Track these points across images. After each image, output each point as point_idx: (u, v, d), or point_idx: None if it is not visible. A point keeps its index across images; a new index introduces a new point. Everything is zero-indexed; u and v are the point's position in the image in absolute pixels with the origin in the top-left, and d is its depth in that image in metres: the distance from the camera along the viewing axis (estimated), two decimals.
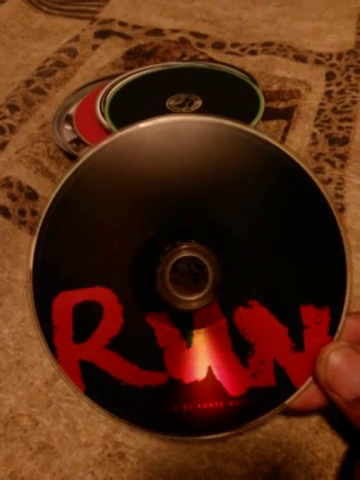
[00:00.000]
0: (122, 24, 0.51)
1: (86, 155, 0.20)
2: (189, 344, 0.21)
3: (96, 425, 0.24)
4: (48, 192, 0.34)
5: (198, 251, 0.21)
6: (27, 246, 0.31)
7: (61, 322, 0.21)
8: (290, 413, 0.23)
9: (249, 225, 0.21)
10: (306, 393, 0.20)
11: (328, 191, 0.20)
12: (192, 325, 0.21)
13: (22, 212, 0.32)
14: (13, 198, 0.33)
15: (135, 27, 0.51)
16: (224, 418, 0.21)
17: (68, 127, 0.38)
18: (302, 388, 0.20)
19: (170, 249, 0.21)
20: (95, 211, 0.21)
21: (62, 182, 0.20)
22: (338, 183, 0.35)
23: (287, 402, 0.20)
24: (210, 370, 0.21)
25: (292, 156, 0.20)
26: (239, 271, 0.21)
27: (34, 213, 0.33)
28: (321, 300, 0.20)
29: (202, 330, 0.21)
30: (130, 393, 0.21)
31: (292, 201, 0.20)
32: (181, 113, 0.20)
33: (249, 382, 0.20)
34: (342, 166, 0.36)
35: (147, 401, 0.21)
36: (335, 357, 0.19)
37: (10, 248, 0.31)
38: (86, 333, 0.21)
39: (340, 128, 0.39)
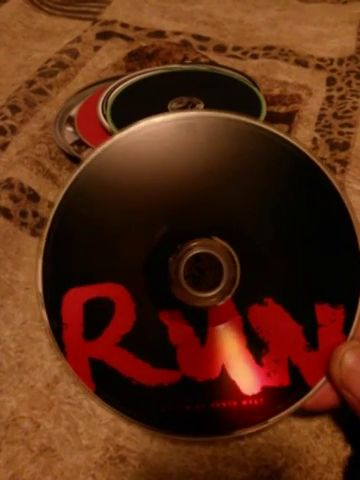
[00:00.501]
0: (124, 26, 0.51)
1: (95, 152, 0.20)
2: (203, 342, 0.21)
3: (97, 428, 0.24)
4: (54, 193, 0.34)
5: (213, 247, 0.21)
6: (28, 247, 0.31)
7: (71, 319, 0.20)
8: (302, 413, 0.23)
9: (264, 221, 0.20)
10: (319, 393, 0.20)
11: (342, 188, 0.20)
12: (206, 322, 0.21)
13: (23, 213, 0.32)
14: (15, 199, 0.33)
15: (137, 29, 0.51)
16: (237, 418, 0.20)
17: (70, 129, 0.38)
18: (316, 387, 0.20)
19: (184, 245, 0.21)
20: (106, 207, 0.20)
21: (74, 176, 0.20)
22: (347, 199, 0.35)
23: (301, 403, 0.20)
24: (224, 368, 0.20)
25: (307, 153, 0.20)
26: (254, 268, 0.21)
27: (35, 215, 0.33)
28: (336, 299, 0.20)
29: (217, 327, 0.21)
30: (141, 392, 0.20)
31: (307, 197, 0.20)
32: (193, 109, 0.20)
33: (263, 381, 0.20)
34: (342, 171, 0.36)
35: (159, 400, 0.20)
36: (350, 357, 0.19)
37: (11, 250, 0.31)
38: (97, 330, 0.20)
39: (341, 133, 0.39)
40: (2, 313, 0.28)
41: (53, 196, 0.34)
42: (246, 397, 0.20)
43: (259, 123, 0.20)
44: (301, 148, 0.20)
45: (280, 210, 0.20)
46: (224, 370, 0.20)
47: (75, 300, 0.20)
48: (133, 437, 0.24)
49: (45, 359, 0.26)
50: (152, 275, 0.21)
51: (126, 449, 0.23)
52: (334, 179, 0.20)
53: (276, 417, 0.20)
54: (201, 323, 0.21)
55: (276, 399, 0.20)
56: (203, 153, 0.20)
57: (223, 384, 0.20)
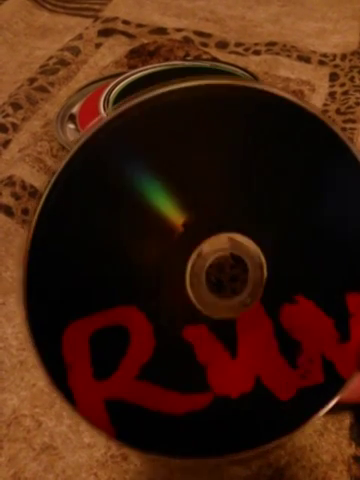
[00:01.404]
0: (125, 23, 0.51)
1: (74, 148, 0.15)
2: (234, 355, 0.18)
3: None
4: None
5: (235, 248, 0.18)
6: None
7: (76, 358, 0.17)
8: (339, 407, 0.22)
9: (285, 213, 0.18)
10: (354, 383, 0.19)
11: None
12: (236, 333, 0.19)
13: (25, 211, 0.32)
14: (16, 197, 0.32)
15: (139, 26, 0.51)
16: (276, 425, 0.19)
17: (71, 126, 0.38)
18: (350, 379, 0.19)
19: (202, 248, 0.18)
20: (99, 213, 0.16)
21: (54, 177, 0.16)
22: None
23: (338, 397, 0.19)
24: (258, 378, 0.19)
25: (339, 133, 0.17)
26: (281, 264, 0.18)
27: None
28: None
29: (247, 336, 0.19)
30: (171, 424, 0.18)
31: (332, 182, 0.18)
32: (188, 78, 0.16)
33: (298, 383, 0.19)
34: None
35: (192, 427, 0.18)
36: None
37: (13, 247, 0.31)
38: (110, 366, 0.17)
39: (344, 129, 0.39)
40: (4, 311, 0.28)
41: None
42: (283, 402, 0.19)
43: (274, 89, 0.17)
44: (332, 126, 0.17)
45: (302, 199, 0.18)
46: (258, 380, 0.19)
47: (78, 335, 0.17)
48: None
49: None
50: (168, 288, 0.18)
51: None
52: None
53: (315, 416, 0.19)
54: (230, 335, 0.18)
55: (313, 398, 0.19)
56: (207, 137, 0.17)
57: (259, 395, 0.19)
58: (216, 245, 0.18)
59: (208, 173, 0.17)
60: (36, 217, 0.16)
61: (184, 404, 0.18)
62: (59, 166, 0.16)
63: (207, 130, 0.17)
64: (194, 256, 0.18)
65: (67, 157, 0.16)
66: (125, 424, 0.18)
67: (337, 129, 0.17)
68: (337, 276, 0.19)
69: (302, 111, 0.17)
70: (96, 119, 0.17)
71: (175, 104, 0.16)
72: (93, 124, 0.16)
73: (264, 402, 0.19)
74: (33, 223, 0.16)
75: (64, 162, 0.16)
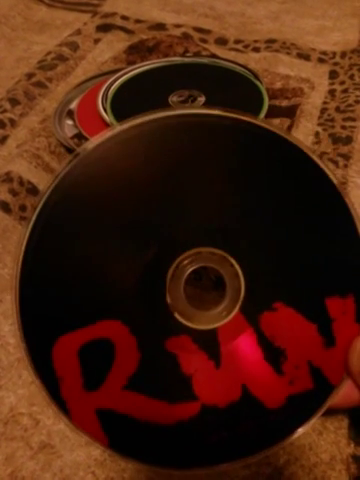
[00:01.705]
0: (124, 18, 0.51)
1: (64, 170, 0.17)
2: (218, 364, 0.19)
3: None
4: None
5: (211, 260, 0.19)
6: None
7: (67, 371, 0.18)
8: (329, 412, 0.22)
9: (259, 222, 0.19)
10: (344, 389, 0.19)
11: (334, 174, 0.19)
12: (218, 342, 0.19)
13: (23, 207, 0.32)
14: (14, 193, 0.32)
15: (137, 21, 0.50)
16: (267, 434, 0.19)
17: (69, 122, 0.38)
18: (340, 385, 0.19)
19: (179, 262, 0.19)
20: (84, 233, 0.18)
21: (42, 201, 0.17)
22: (341, 183, 0.34)
23: (328, 403, 0.19)
24: (245, 387, 0.19)
25: (294, 142, 0.18)
26: (257, 273, 0.19)
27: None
28: (344, 289, 0.19)
29: (230, 346, 0.19)
30: (162, 434, 0.18)
31: (299, 189, 0.19)
32: (166, 109, 0.18)
33: (287, 390, 0.19)
34: (345, 166, 0.35)
35: (182, 438, 0.18)
36: None
37: (11, 244, 0.30)
38: (99, 377, 0.18)
39: (343, 127, 0.38)
40: (1, 308, 0.28)
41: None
42: (273, 411, 0.19)
43: (247, 118, 0.18)
44: (290, 139, 0.18)
45: (275, 208, 0.19)
46: (245, 389, 0.19)
47: (67, 349, 0.18)
48: None
49: None
50: (148, 302, 0.19)
51: None
52: (326, 167, 0.19)
53: (306, 424, 0.19)
54: (213, 344, 0.19)
55: (303, 405, 0.19)
56: (185, 158, 0.18)
57: (247, 404, 0.19)
58: (192, 259, 0.19)
59: (185, 193, 0.18)
60: (24, 246, 0.17)
61: (173, 414, 0.18)
62: (41, 199, 0.17)
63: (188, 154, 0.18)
64: (171, 271, 0.19)
65: (47, 192, 0.17)
66: (117, 434, 0.18)
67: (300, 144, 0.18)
68: (314, 282, 0.19)
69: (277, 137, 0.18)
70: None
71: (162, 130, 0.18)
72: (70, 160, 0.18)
73: (253, 411, 0.19)
74: (22, 250, 0.18)
75: (46, 194, 0.17)
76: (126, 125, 0.18)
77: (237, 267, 0.19)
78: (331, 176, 0.19)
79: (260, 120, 0.18)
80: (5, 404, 0.24)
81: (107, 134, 0.18)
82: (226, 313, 0.19)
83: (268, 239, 0.19)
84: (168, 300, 0.19)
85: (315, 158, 0.18)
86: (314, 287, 0.19)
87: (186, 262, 0.19)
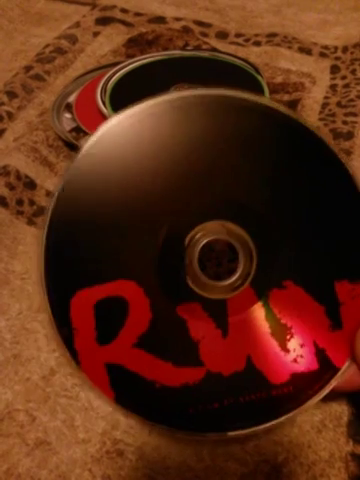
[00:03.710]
0: (124, 11, 0.50)
1: (93, 138, 0.18)
2: (225, 334, 0.20)
3: (94, 421, 0.23)
4: (51, 181, 0.33)
5: (226, 233, 0.20)
6: (25, 237, 0.30)
7: (82, 324, 0.19)
8: (333, 395, 0.23)
9: (273, 200, 0.19)
10: (349, 372, 0.19)
11: (347, 160, 0.19)
12: (227, 313, 0.20)
13: (20, 202, 0.32)
14: (11, 187, 0.32)
15: (137, 14, 0.50)
16: (268, 408, 0.19)
17: (68, 115, 0.38)
18: (344, 368, 0.19)
19: (195, 233, 0.19)
20: (108, 198, 0.19)
21: (71, 167, 0.18)
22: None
23: (331, 385, 0.19)
24: (249, 359, 0.19)
25: (310, 127, 0.19)
26: (270, 250, 0.20)
27: (32, 203, 0.32)
28: (355, 274, 0.19)
29: (238, 317, 0.20)
30: (166, 395, 0.19)
31: (314, 173, 0.19)
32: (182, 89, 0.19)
33: (291, 368, 0.19)
34: None
35: (186, 401, 0.19)
36: None
37: (7, 238, 0.30)
38: (111, 333, 0.19)
39: (345, 122, 0.38)
40: None
41: (50, 184, 0.33)
42: (275, 386, 0.19)
43: (261, 100, 0.19)
44: (302, 122, 0.19)
45: (290, 188, 0.19)
46: (250, 361, 0.20)
47: (84, 302, 0.19)
48: (131, 430, 0.23)
49: (41, 351, 0.26)
50: (165, 268, 0.19)
51: (123, 443, 0.23)
52: (339, 153, 0.19)
53: (307, 403, 0.19)
54: (221, 314, 0.20)
55: (306, 384, 0.19)
56: (202, 135, 0.19)
57: (250, 376, 0.19)
58: (209, 230, 0.20)
59: (201, 169, 0.19)
60: (52, 206, 0.19)
61: (178, 376, 0.19)
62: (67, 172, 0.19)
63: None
64: (188, 239, 0.20)
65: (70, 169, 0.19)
66: (123, 389, 0.19)
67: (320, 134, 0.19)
68: (325, 264, 0.20)
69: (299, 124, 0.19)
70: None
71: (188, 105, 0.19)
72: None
73: (256, 383, 0.19)
74: (50, 210, 0.18)
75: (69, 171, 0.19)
76: (138, 106, 0.19)
77: (252, 244, 0.20)
78: (346, 165, 0.19)
79: (275, 104, 0.19)
80: (1, 400, 0.24)
81: (126, 112, 0.19)
82: (237, 286, 0.20)
83: (282, 219, 0.20)
84: (183, 268, 0.20)
85: (331, 146, 0.19)
86: (324, 269, 0.19)
87: (201, 234, 0.20)
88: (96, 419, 0.24)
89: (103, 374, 0.19)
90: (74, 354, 0.19)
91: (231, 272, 0.20)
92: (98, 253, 0.19)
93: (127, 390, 0.19)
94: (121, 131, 0.19)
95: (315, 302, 0.19)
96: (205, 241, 0.19)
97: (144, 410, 0.19)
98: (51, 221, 0.18)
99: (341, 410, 0.24)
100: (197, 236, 0.20)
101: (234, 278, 0.20)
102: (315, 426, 0.23)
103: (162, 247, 0.19)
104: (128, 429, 0.23)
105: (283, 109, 0.19)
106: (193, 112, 0.19)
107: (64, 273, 0.19)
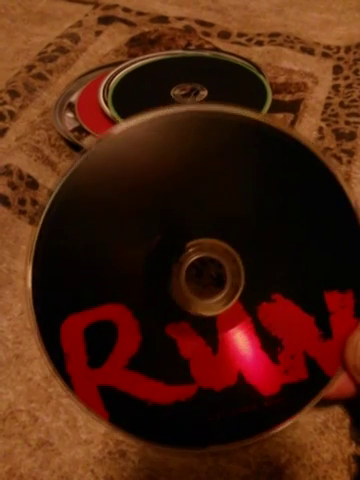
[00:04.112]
0: (126, 10, 0.50)
1: (77, 162, 0.18)
2: (215, 350, 0.20)
3: (97, 422, 0.23)
4: (53, 180, 0.33)
5: (212, 250, 0.20)
6: (27, 236, 0.30)
7: (73, 348, 0.19)
8: (325, 403, 0.23)
9: (261, 216, 0.20)
10: (339, 380, 0.20)
11: (337, 169, 0.19)
12: (216, 329, 0.20)
13: (22, 201, 0.32)
14: (13, 187, 0.32)
15: (139, 14, 0.50)
16: (261, 420, 0.20)
17: (70, 115, 0.37)
18: (335, 377, 0.20)
19: (182, 252, 0.20)
20: (93, 221, 0.19)
21: (57, 189, 0.18)
22: (345, 179, 0.34)
23: (322, 394, 0.20)
24: (240, 374, 0.20)
25: (300, 139, 0.19)
26: (257, 265, 0.20)
27: (34, 203, 0.32)
28: (343, 284, 0.19)
29: (227, 333, 0.20)
30: (159, 412, 0.19)
31: (302, 185, 0.19)
32: (175, 105, 0.19)
33: (282, 379, 0.20)
34: (349, 162, 0.35)
35: (179, 417, 0.20)
36: None
37: (9, 238, 0.30)
38: (102, 356, 0.19)
39: (347, 123, 0.38)
40: (0, 303, 0.28)
41: (53, 183, 0.33)
42: (267, 398, 0.20)
43: (254, 115, 0.19)
44: (295, 136, 0.19)
45: (278, 202, 0.20)
46: (241, 375, 0.20)
47: (74, 328, 0.19)
48: None
49: None
50: (152, 289, 0.20)
51: (126, 444, 0.23)
52: (331, 164, 0.19)
53: (299, 413, 0.20)
54: (211, 331, 0.20)
55: (297, 394, 0.20)
56: (193, 151, 0.19)
57: (242, 389, 0.20)
58: (195, 249, 0.20)
59: (190, 186, 0.19)
60: (36, 236, 0.18)
61: (170, 394, 0.19)
62: (56, 186, 0.19)
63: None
64: (174, 260, 0.20)
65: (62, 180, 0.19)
66: (117, 410, 0.19)
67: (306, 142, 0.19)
68: (314, 276, 0.20)
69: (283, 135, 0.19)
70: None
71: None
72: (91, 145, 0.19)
73: (248, 396, 0.20)
74: (35, 237, 0.18)
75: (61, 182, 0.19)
76: (134, 121, 0.19)
77: (238, 258, 0.20)
78: (337, 175, 0.19)
79: (263, 116, 0.19)
80: (3, 401, 0.24)
81: (123, 125, 0.19)
82: (225, 302, 0.20)
83: (270, 233, 0.20)
84: (170, 288, 0.20)
85: (319, 154, 0.19)
86: (313, 281, 0.20)
87: (190, 251, 0.20)
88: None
89: (96, 396, 0.19)
90: (67, 378, 0.19)
91: (219, 289, 0.20)
92: (86, 278, 0.19)
93: (121, 410, 0.19)
94: (110, 153, 0.19)
95: (305, 313, 0.20)
96: (192, 260, 0.20)
97: (138, 428, 0.19)
98: (37, 248, 0.18)
99: (343, 412, 0.24)
100: (184, 255, 0.20)
101: (223, 294, 0.20)
102: (318, 428, 0.23)
103: (149, 268, 0.20)
104: None
105: (277, 125, 0.19)
106: (187, 128, 0.19)
107: (52, 300, 0.19)
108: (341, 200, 0.19)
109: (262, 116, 0.19)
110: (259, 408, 0.20)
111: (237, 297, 0.20)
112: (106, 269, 0.19)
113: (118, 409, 0.19)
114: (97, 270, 0.19)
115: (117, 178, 0.19)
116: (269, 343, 0.20)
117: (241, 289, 0.20)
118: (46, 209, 0.18)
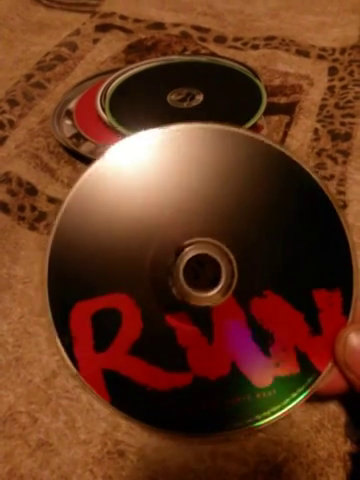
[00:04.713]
0: (123, 18, 0.51)
1: (86, 172, 0.21)
2: (210, 341, 0.21)
3: (95, 422, 0.24)
4: (52, 187, 0.34)
5: (209, 248, 0.21)
6: (26, 242, 0.31)
7: (80, 333, 0.21)
8: (318, 398, 0.23)
9: (254, 218, 0.21)
10: (331, 376, 0.20)
11: (325, 183, 0.21)
12: (211, 321, 0.21)
13: (21, 208, 0.32)
14: (12, 193, 0.32)
15: (136, 21, 0.50)
16: (253, 411, 0.20)
17: (68, 122, 0.38)
18: (326, 372, 0.20)
19: (181, 250, 0.21)
20: (105, 220, 0.21)
21: (73, 191, 0.21)
22: (340, 179, 0.34)
23: (313, 388, 0.20)
24: (234, 364, 0.21)
25: (290, 155, 0.21)
26: (250, 263, 0.21)
27: (33, 209, 0.32)
28: (331, 283, 0.21)
29: (222, 325, 0.21)
30: (157, 398, 0.21)
31: (292, 193, 0.21)
32: (171, 123, 0.22)
33: (274, 371, 0.21)
34: (344, 162, 0.35)
35: (175, 404, 0.21)
36: (354, 338, 0.20)
37: (9, 244, 0.31)
38: (107, 341, 0.21)
39: (342, 124, 0.38)
40: (0, 307, 0.28)
41: (51, 190, 0.34)
42: (259, 389, 0.21)
43: (243, 131, 0.21)
44: (284, 150, 0.21)
45: (269, 206, 0.21)
46: (234, 365, 0.21)
47: (83, 314, 0.21)
48: (132, 431, 0.24)
49: (43, 353, 0.26)
50: (154, 281, 0.21)
51: (125, 444, 0.23)
52: (313, 171, 0.21)
53: (291, 405, 0.20)
54: (206, 322, 0.21)
55: (289, 388, 0.20)
56: (192, 163, 0.21)
57: (235, 379, 0.21)
58: (193, 248, 0.21)
59: (188, 192, 0.21)
60: (54, 230, 0.21)
61: (168, 380, 0.21)
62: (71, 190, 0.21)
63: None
64: (174, 256, 0.21)
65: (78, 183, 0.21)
66: (119, 393, 0.21)
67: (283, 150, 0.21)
68: (303, 275, 0.21)
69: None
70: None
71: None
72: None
73: (241, 387, 0.21)
74: (53, 232, 0.21)
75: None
76: (136, 136, 0.21)
77: (232, 257, 0.21)
78: (319, 183, 0.21)
79: (248, 130, 0.22)
80: (4, 403, 0.24)
81: (121, 142, 0.21)
82: (220, 296, 0.21)
83: (262, 235, 0.21)
84: (170, 282, 0.21)
85: (303, 165, 0.21)
86: (302, 279, 0.21)
87: (187, 250, 0.21)
88: (97, 420, 0.24)
89: (100, 379, 0.20)
90: (74, 361, 0.20)
91: (215, 283, 0.21)
92: (95, 269, 0.21)
93: (121, 393, 0.21)
94: (118, 162, 0.21)
95: (294, 309, 0.21)
96: (189, 257, 0.21)
97: (137, 412, 0.21)
98: (54, 242, 0.21)
99: (339, 410, 0.24)
100: (182, 252, 0.21)
101: (218, 289, 0.21)
102: (314, 426, 0.24)
103: (152, 262, 0.21)
104: (129, 430, 0.24)
105: (271, 142, 0.21)
106: (185, 144, 0.21)
107: (65, 287, 0.21)
108: (325, 204, 0.21)
109: (247, 130, 0.22)
110: (252, 399, 0.20)
111: (231, 292, 0.21)
112: (113, 263, 0.21)
113: (119, 393, 0.21)
114: (105, 264, 0.21)
115: (119, 191, 0.21)
116: (261, 336, 0.21)
117: (234, 284, 0.21)
118: (63, 207, 0.21)
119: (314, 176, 0.21)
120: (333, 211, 0.21)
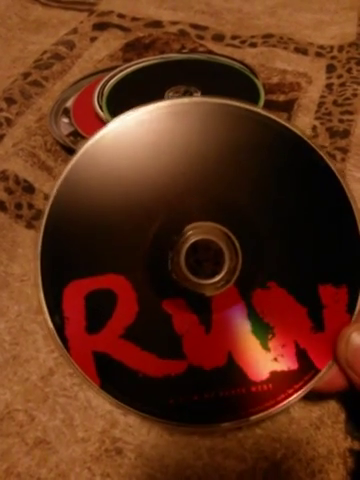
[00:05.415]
0: (121, 16, 0.51)
1: (88, 142, 0.20)
2: (208, 330, 0.20)
3: (93, 420, 0.24)
4: (49, 184, 0.34)
5: (212, 233, 0.20)
6: (24, 240, 0.31)
7: (73, 313, 0.20)
8: (314, 396, 0.23)
9: (262, 204, 0.20)
10: (329, 374, 0.20)
11: (336, 167, 0.20)
12: (211, 310, 0.20)
13: (19, 206, 0.32)
14: (9, 192, 0.32)
15: (134, 19, 0.50)
16: (247, 404, 0.20)
17: (65, 120, 0.38)
18: (325, 370, 0.20)
19: (183, 233, 0.20)
20: (102, 197, 0.20)
21: (69, 166, 0.20)
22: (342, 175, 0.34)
23: (310, 386, 0.20)
24: (230, 355, 0.20)
25: (299, 133, 0.20)
26: (255, 252, 0.20)
27: (31, 207, 0.32)
28: (338, 279, 0.20)
29: (221, 314, 0.20)
30: (149, 384, 0.20)
31: (304, 179, 0.20)
32: (186, 96, 0.20)
33: (271, 366, 0.20)
34: (343, 159, 0.35)
35: (167, 392, 0.20)
36: (357, 336, 0.19)
37: (6, 242, 0.30)
38: (100, 323, 0.20)
39: (341, 121, 0.38)
40: None
41: (49, 188, 0.34)
42: (255, 383, 0.20)
43: (254, 108, 0.20)
44: (294, 130, 0.20)
45: (278, 193, 0.20)
46: (231, 357, 0.20)
47: (76, 293, 0.20)
48: (130, 429, 0.23)
49: (40, 351, 0.26)
50: (153, 264, 0.20)
51: (122, 441, 0.23)
52: (330, 160, 0.20)
53: (286, 401, 0.20)
54: (205, 311, 0.20)
55: (285, 383, 0.20)
56: (197, 139, 0.20)
57: (231, 371, 0.20)
58: (197, 231, 0.20)
59: (193, 173, 0.20)
60: (48, 209, 0.20)
61: (161, 367, 0.20)
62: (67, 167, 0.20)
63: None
64: (176, 239, 0.20)
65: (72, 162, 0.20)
66: (109, 377, 0.20)
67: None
68: (310, 268, 0.20)
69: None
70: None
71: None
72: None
73: (236, 379, 0.20)
74: (49, 205, 0.20)
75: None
76: (135, 111, 0.20)
77: (237, 244, 0.20)
78: (336, 172, 0.20)
79: (263, 109, 0.20)
80: (1, 401, 0.24)
81: (130, 113, 0.20)
82: (221, 284, 0.20)
83: (269, 223, 0.20)
84: (170, 265, 0.20)
85: (321, 152, 0.20)
86: (308, 273, 0.20)
87: (190, 233, 0.20)
88: (95, 418, 0.24)
89: (90, 361, 0.20)
90: (64, 341, 0.20)
91: (217, 271, 0.21)
92: (92, 247, 0.20)
93: (112, 378, 0.20)
94: (118, 134, 0.20)
95: (298, 304, 0.20)
96: (192, 241, 0.20)
97: (128, 398, 0.20)
98: (49, 215, 0.20)
99: (339, 407, 0.24)
100: (185, 236, 0.20)
101: (219, 277, 0.20)
102: (313, 423, 0.23)
103: (152, 244, 0.20)
104: (127, 428, 0.23)
105: (275, 118, 0.20)
106: (190, 118, 0.20)
107: (59, 263, 0.20)
108: (340, 197, 0.20)
109: (262, 108, 0.20)
110: (246, 392, 0.20)
111: (233, 281, 0.20)
112: (112, 242, 0.20)
113: (109, 377, 0.20)
114: (103, 241, 0.20)
115: (119, 167, 0.20)
116: (260, 329, 0.20)
117: (237, 273, 0.20)
118: (57, 185, 0.20)
119: (327, 159, 0.20)
120: (349, 208, 0.20)
